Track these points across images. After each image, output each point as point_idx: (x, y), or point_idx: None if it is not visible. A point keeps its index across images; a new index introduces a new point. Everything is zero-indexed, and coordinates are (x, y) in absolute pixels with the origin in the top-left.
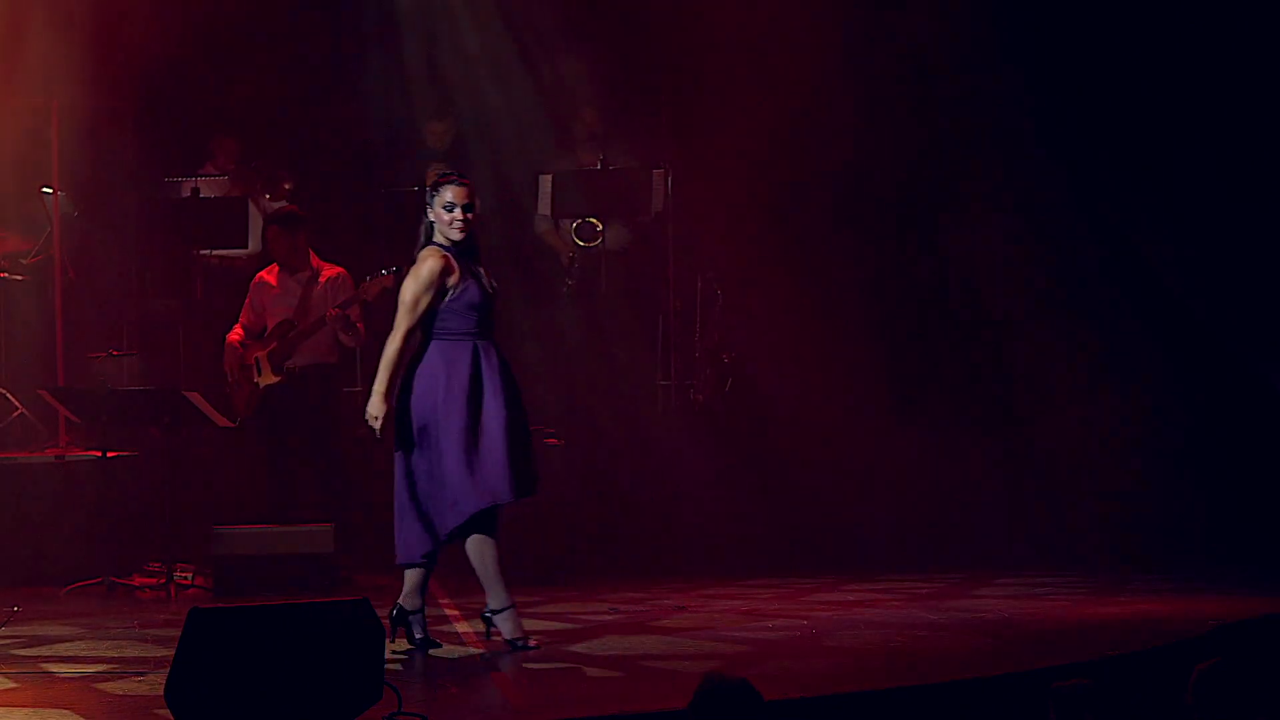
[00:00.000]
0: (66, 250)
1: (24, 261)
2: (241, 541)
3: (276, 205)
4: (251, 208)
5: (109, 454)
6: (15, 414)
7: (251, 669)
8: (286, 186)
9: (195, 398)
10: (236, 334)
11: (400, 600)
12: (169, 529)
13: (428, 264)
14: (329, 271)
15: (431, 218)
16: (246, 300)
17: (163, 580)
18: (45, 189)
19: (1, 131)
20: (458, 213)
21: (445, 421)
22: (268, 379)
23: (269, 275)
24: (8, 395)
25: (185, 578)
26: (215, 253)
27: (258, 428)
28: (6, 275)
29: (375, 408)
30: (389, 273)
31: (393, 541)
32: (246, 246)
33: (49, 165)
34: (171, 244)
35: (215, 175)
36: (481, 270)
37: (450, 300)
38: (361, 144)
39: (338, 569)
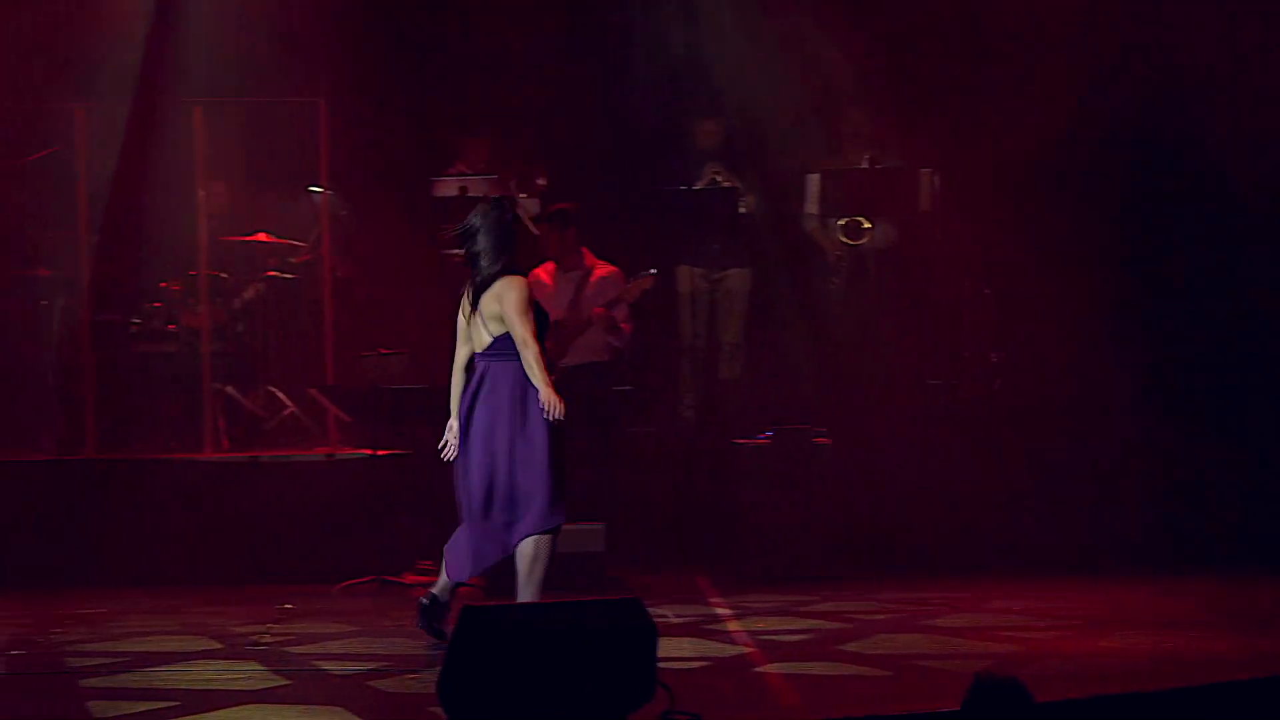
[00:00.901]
0: (335, 249)
1: (293, 261)
2: None
3: (531, 202)
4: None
5: (379, 452)
6: (286, 412)
7: (523, 667)
8: (540, 182)
9: None
10: None
11: (437, 592)
12: (440, 527)
13: None
14: (601, 270)
15: None
16: None
17: (434, 578)
18: (314, 188)
19: (270, 131)
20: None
21: None
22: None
23: (543, 273)
24: (278, 394)
25: None
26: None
27: None
28: (277, 275)
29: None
30: (651, 274)
31: (661, 541)
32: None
33: (317, 165)
34: (440, 241)
35: (469, 175)
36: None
37: None
38: (630, 141)
39: (606, 568)
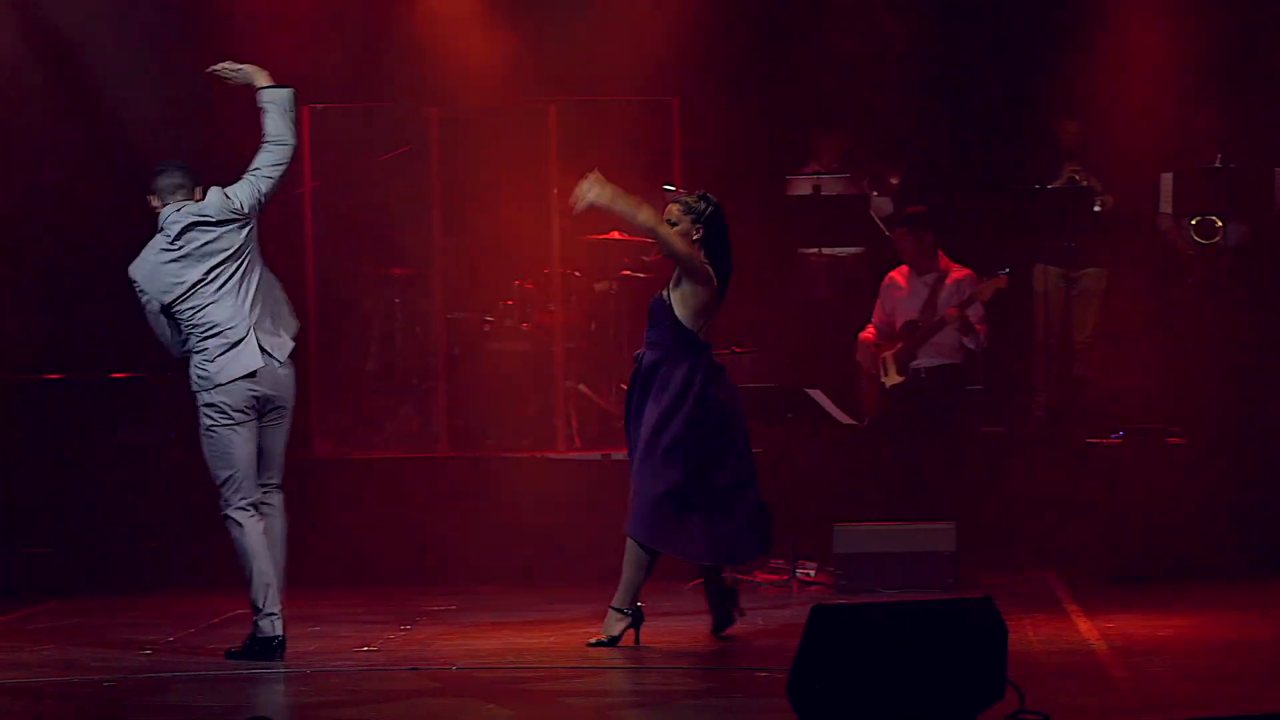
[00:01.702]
0: None
1: (646, 259)
2: (864, 539)
3: (883, 201)
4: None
5: None
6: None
7: (872, 665)
8: (893, 181)
9: (818, 395)
10: (869, 333)
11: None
12: (791, 525)
13: None
14: (956, 273)
15: None
16: (878, 300)
17: (785, 577)
18: (667, 186)
19: (624, 130)
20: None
21: None
22: (893, 379)
23: (899, 275)
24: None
25: (807, 574)
26: (836, 250)
27: (883, 426)
28: (630, 273)
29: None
30: (1004, 274)
31: (1012, 540)
32: (863, 246)
33: (670, 163)
34: (792, 241)
35: (823, 174)
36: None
37: None
38: (986, 139)
39: (958, 567)
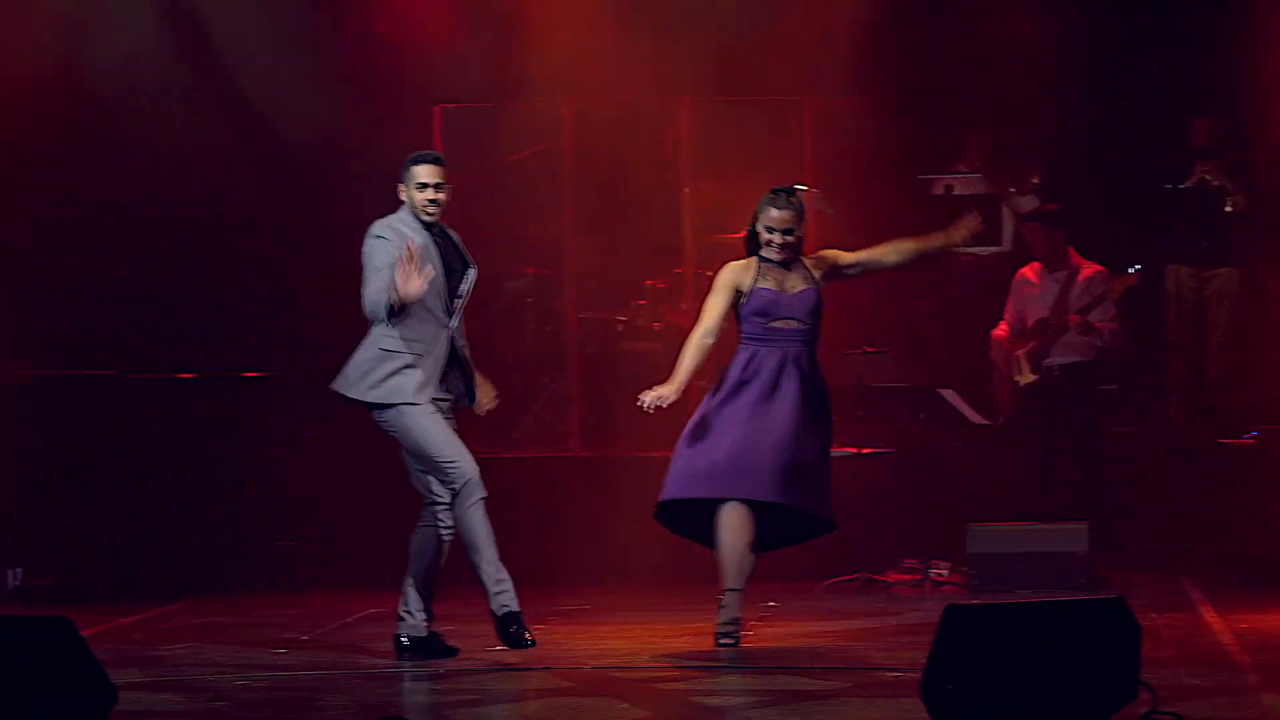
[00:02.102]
0: (819, 246)
1: None
2: (997, 539)
3: (1025, 200)
4: (1003, 207)
5: (864, 450)
6: None
7: (1005, 666)
8: (1034, 180)
9: (951, 395)
10: (1002, 330)
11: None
12: (925, 526)
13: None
14: (1087, 270)
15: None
16: (1009, 298)
17: (918, 577)
18: (799, 186)
19: (756, 129)
20: (776, 236)
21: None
22: (1026, 377)
23: (1030, 273)
24: None
25: (940, 574)
26: (971, 250)
27: (1016, 425)
28: None
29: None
30: (1135, 271)
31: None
32: (1000, 245)
33: (802, 162)
34: None
35: (966, 174)
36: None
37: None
38: (1120, 139)
39: (1092, 567)
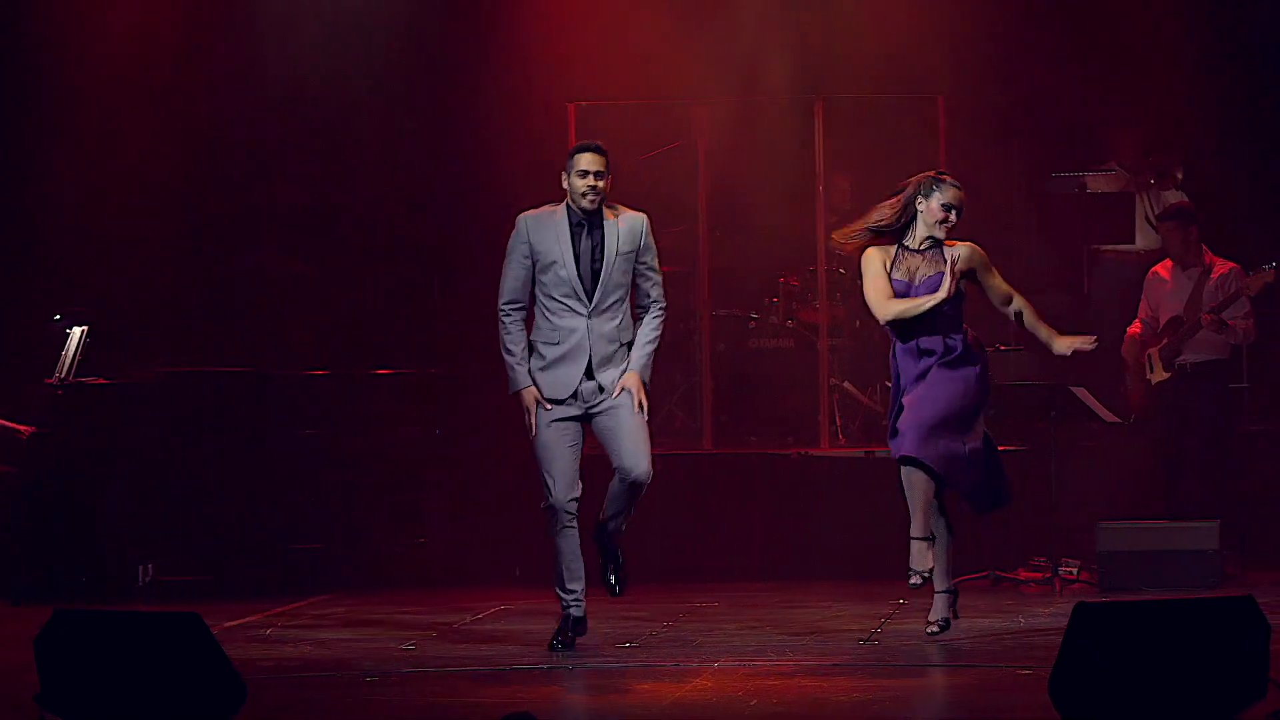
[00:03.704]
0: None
1: None
2: (1127, 537)
3: (1169, 195)
4: (1140, 202)
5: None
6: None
7: (1135, 663)
8: (1178, 176)
9: (1082, 393)
10: (1136, 328)
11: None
12: (1055, 523)
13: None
14: (1221, 267)
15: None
16: (1143, 295)
17: (1048, 574)
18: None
19: (891, 127)
20: (953, 214)
21: None
22: (1159, 375)
23: (1163, 270)
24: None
25: (1070, 572)
26: (1109, 248)
27: (1147, 423)
28: None
29: None
30: (1271, 267)
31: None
32: (1133, 242)
33: (936, 162)
34: (1059, 239)
35: (1101, 170)
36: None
37: None
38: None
39: (1222, 566)
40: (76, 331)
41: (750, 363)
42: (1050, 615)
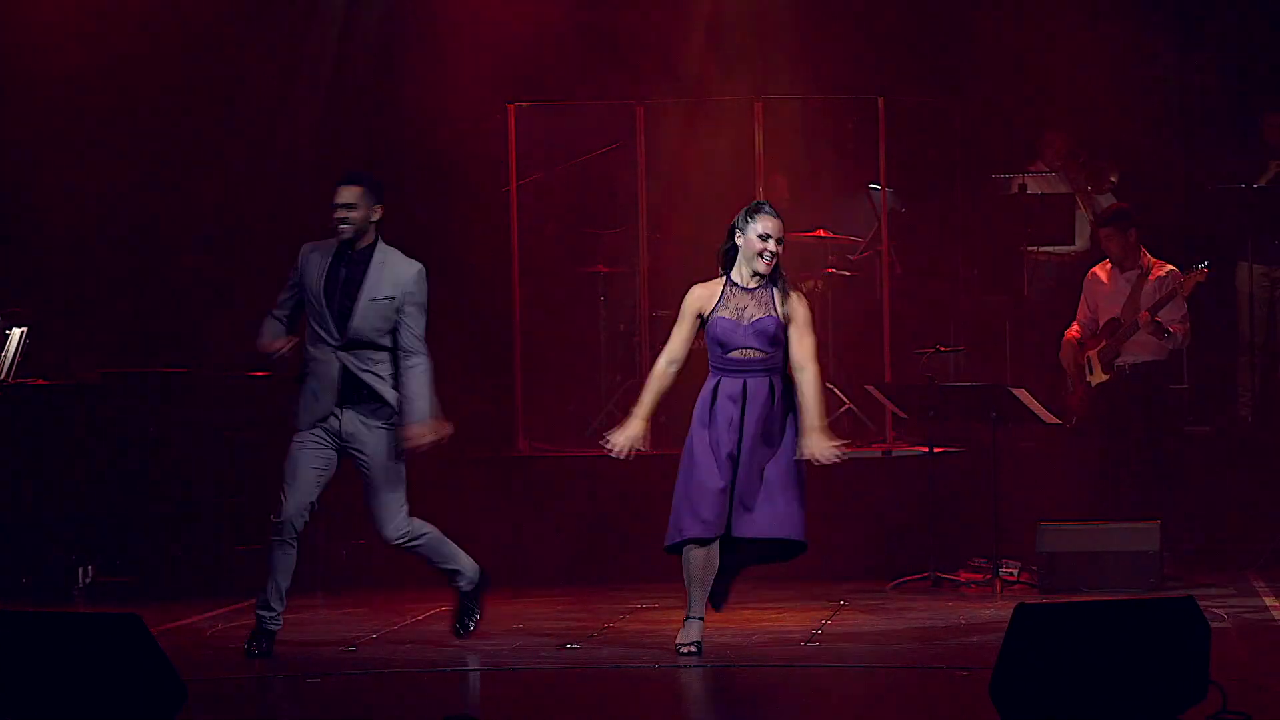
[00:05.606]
0: (893, 246)
1: (851, 258)
2: (1068, 538)
3: (1102, 199)
4: (1078, 205)
5: (936, 449)
6: (843, 409)
7: (1076, 665)
8: (1112, 179)
9: (1023, 394)
10: (1074, 331)
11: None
12: (995, 525)
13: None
14: (1159, 269)
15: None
16: (1081, 297)
17: (988, 575)
18: (873, 185)
19: (829, 127)
20: (771, 244)
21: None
22: (1098, 377)
23: (1101, 272)
24: (835, 390)
25: (1011, 573)
26: (1043, 249)
27: (1087, 425)
28: (834, 271)
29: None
30: (1203, 267)
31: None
32: (1073, 244)
33: (875, 162)
34: (999, 240)
35: (1042, 172)
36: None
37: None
38: (1191, 137)
39: (1162, 567)
40: (16, 332)
41: (690, 364)
42: (991, 616)
